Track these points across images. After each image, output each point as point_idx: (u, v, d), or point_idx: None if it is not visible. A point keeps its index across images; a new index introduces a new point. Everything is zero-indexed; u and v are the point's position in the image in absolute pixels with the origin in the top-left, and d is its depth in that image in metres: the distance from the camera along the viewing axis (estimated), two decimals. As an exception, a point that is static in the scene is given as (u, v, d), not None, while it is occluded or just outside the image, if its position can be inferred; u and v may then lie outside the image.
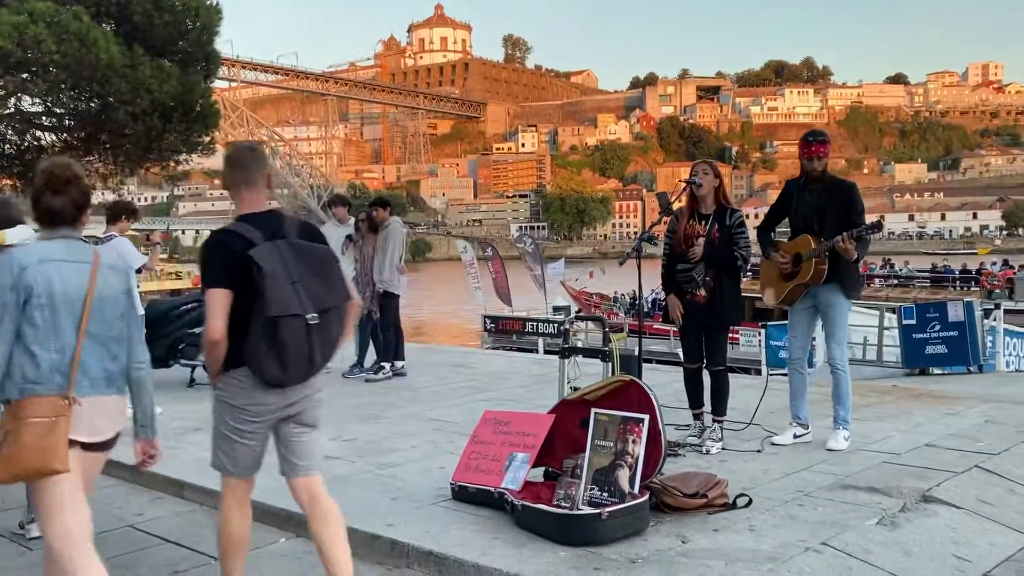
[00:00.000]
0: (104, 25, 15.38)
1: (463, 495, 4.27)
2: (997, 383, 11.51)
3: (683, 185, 5.31)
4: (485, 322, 33.44)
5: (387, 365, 8.44)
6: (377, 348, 8.70)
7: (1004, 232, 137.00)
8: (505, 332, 33.20)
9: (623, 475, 3.92)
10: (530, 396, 7.34)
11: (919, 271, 39.23)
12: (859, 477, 4.58)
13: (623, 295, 40.67)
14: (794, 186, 5.46)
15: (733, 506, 4.11)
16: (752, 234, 5.37)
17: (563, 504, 4.02)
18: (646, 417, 3.93)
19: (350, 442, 5.76)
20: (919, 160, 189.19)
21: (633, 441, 3.94)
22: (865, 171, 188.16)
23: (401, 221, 8.90)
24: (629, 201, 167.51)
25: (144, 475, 5.11)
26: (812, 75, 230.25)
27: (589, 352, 4.93)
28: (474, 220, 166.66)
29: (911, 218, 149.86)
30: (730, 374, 5.55)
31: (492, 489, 4.14)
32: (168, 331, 8.05)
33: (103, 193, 18.30)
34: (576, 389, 4.51)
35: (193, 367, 8.20)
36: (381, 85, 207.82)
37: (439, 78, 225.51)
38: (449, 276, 74.87)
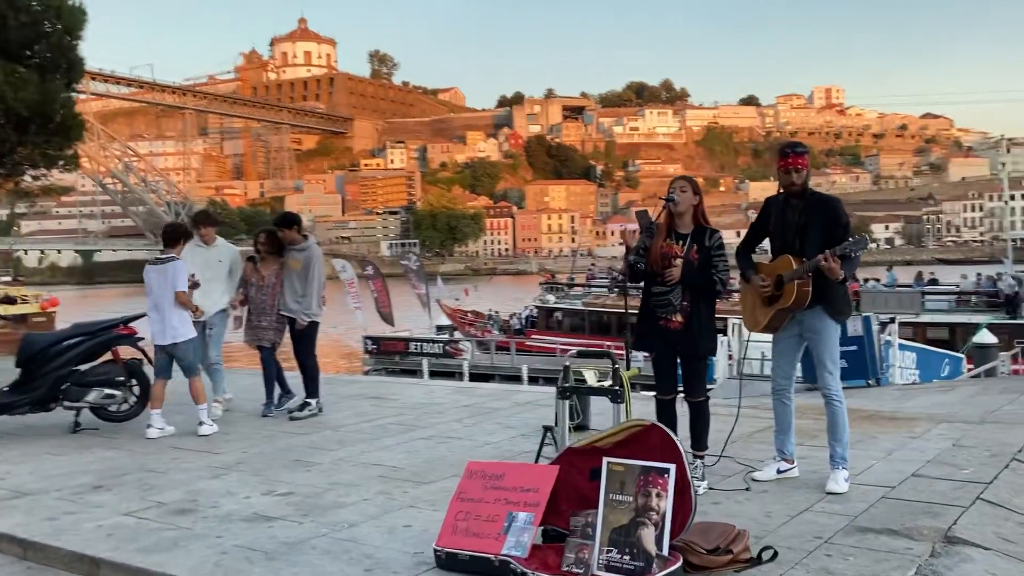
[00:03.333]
0: (-50, 26, 13.86)
1: (452, 564, 3.66)
2: (903, 396, 11.72)
3: (662, 203, 4.88)
4: (366, 343, 32.44)
5: (313, 401, 7.66)
6: (286, 384, 7.93)
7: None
8: (388, 353, 32.30)
9: (647, 534, 3.43)
10: (471, 432, 6.76)
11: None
12: (870, 518, 4.24)
13: (496, 313, 40.45)
14: (773, 203, 5.09)
15: (759, 561, 3.67)
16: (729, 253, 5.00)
17: (575, 570, 3.49)
18: (672, 467, 3.45)
19: (286, 496, 5.02)
20: (771, 178, 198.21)
21: (658, 495, 3.45)
22: (722, 189, 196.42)
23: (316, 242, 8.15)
24: (500, 218, 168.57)
25: (43, 550, 4.25)
26: (671, 96, 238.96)
27: (595, 392, 4.39)
28: (343, 237, 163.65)
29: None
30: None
31: (492, 556, 3.55)
32: (48, 369, 7.02)
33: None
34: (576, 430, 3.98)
35: (78, 410, 7.20)
36: (243, 99, 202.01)
37: (303, 93, 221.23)
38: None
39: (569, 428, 4.25)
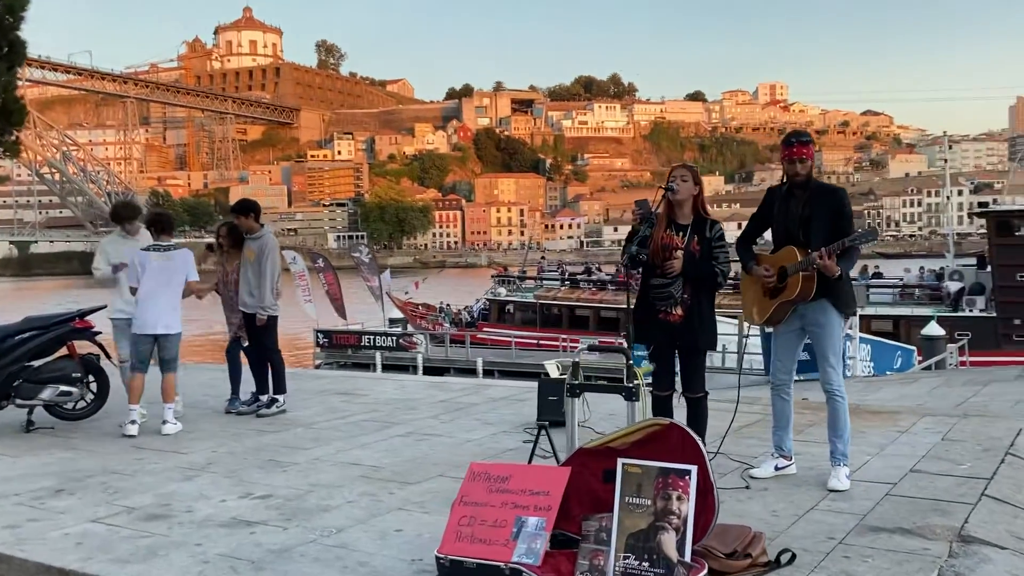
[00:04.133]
0: None
1: (458, 572, 3.44)
2: (867, 389, 11.78)
3: (661, 192, 4.70)
4: (318, 337, 31.90)
5: (281, 397, 7.36)
6: (256, 378, 7.59)
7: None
8: (340, 347, 31.81)
9: (667, 540, 3.25)
10: (450, 429, 6.53)
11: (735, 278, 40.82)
12: (879, 516, 4.13)
13: (448, 306, 40.15)
14: (776, 193, 4.94)
15: (778, 564, 3.53)
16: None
17: (590, 578, 3.30)
18: (693, 468, 3.27)
19: (265, 499, 4.75)
20: (717, 173, 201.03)
21: (678, 498, 3.27)
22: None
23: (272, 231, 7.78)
24: (449, 211, 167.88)
25: (7, 561, 3.93)
26: (619, 91, 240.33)
27: (608, 389, 4.19)
28: (289, 229, 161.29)
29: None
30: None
31: (502, 564, 3.34)
32: (-1, 366, 6.62)
33: None
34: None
35: (31, 408, 6.80)
36: (186, 88, 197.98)
37: (249, 82, 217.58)
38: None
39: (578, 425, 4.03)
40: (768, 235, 5.07)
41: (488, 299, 38.01)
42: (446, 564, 3.49)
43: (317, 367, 29.72)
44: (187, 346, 9.54)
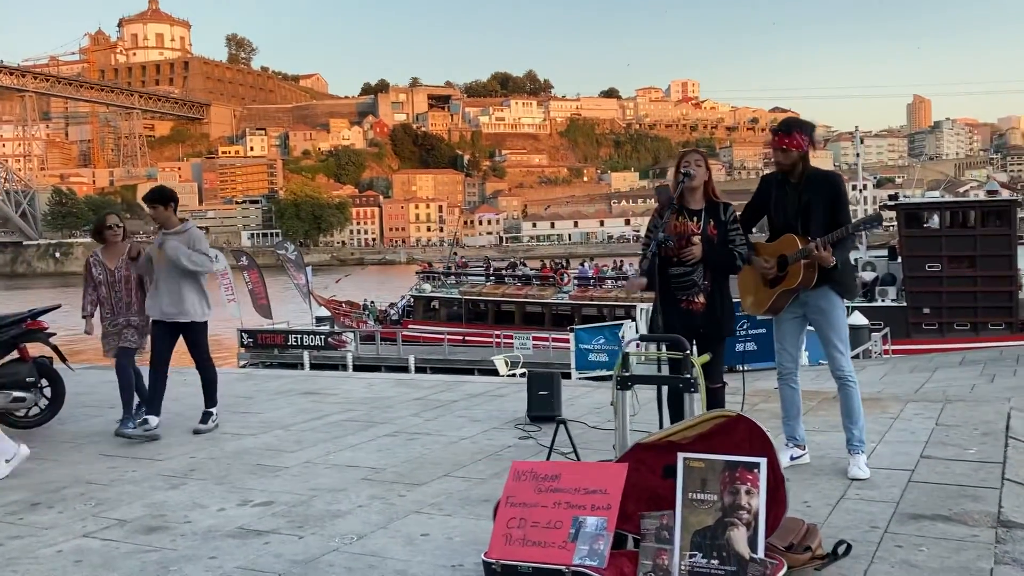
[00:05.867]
0: None
1: (511, 577, 3.25)
2: (820, 377, 11.93)
3: (680, 177, 4.57)
4: (242, 337, 31.01)
5: (214, 410, 6.56)
6: (144, 392, 6.60)
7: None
8: (266, 347, 30.99)
9: (738, 536, 3.12)
10: (437, 427, 6.30)
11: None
12: (912, 504, 4.09)
13: (372, 303, 39.59)
14: (772, 181, 4.88)
15: (835, 556, 3.44)
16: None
17: (655, 578, 3.15)
18: (762, 461, 3.15)
19: (268, 507, 4.46)
20: (632, 169, 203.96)
21: (748, 492, 3.14)
22: (585, 179, 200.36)
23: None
24: (366, 208, 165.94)
25: (-4, 586, 3.57)
26: (535, 87, 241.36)
27: (663, 380, 4.01)
28: (201, 227, 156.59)
29: (627, 222, 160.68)
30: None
31: (563, 568, 3.15)
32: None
33: None
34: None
35: (-20, 416, 6.30)
36: (89, 82, 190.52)
37: (156, 77, 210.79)
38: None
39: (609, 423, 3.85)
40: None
41: (413, 296, 37.60)
42: (497, 569, 3.29)
43: (243, 367, 28.90)
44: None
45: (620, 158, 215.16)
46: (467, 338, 32.37)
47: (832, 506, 4.12)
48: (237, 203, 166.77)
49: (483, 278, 38.01)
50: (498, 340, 28.33)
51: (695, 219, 4.66)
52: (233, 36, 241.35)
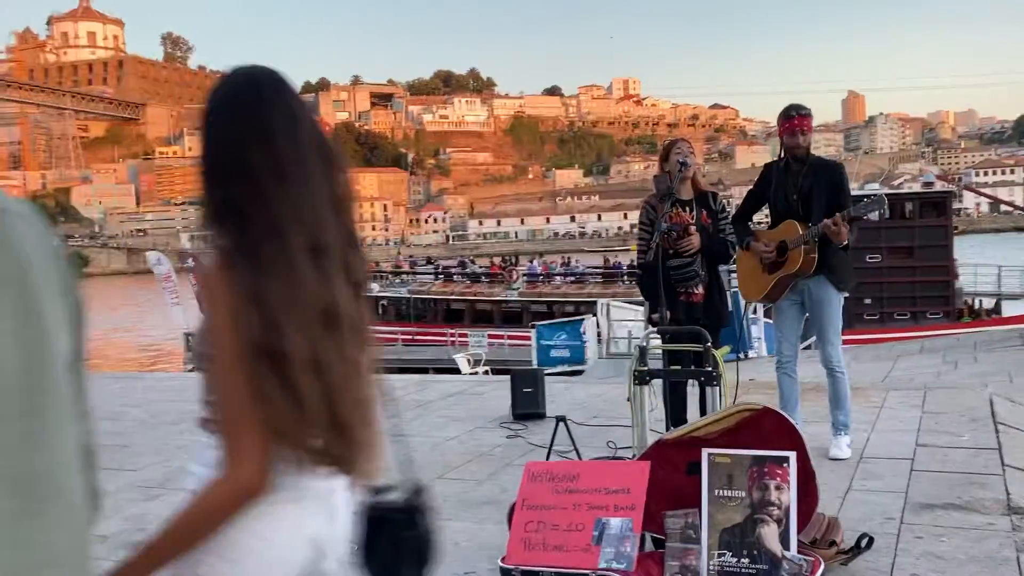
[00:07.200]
0: None
1: (532, 583, 3.10)
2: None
3: (678, 166, 4.48)
4: (188, 341, 30.26)
5: None
6: None
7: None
8: (214, 350, 30.35)
9: (769, 533, 3.02)
10: (417, 428, 6.11)
11: (592, 267, 41.01)
12: (921, 493, 4.05)
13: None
14: (774, 168, 4.85)
15: (859, 549, 3.37)
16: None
17: (683, 579, 3.04)
18: (792, 455, 3.06)
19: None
20: (576, 166, 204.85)
21: (777, 487, 3.05)
22: (530, 176, 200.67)
23: None
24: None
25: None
26: (478, 85, 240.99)
27: (685, 374, 3.89)
28: (138, 230, 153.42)
29: (573, 219, 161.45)
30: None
31: (589, 572, 3.02)
32: None
33: None
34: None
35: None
36: (17, 82, 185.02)
37: (89, 76, 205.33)
38: (120, 292, 67.69)
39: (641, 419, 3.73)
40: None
41: (360, 295, 37.14)
42: (516, 576, 3.15)
43: (191, 371, 28.25)
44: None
45: (564, 155, 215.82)
46: (417, 337, 32.08)
47: (841, 498, 4.07)
48: (176, 205, 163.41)
49: (432, 276, 37.76)
50: (453, 339, 28.09)
51: (687, 209, 4.59)
52: (169, 34, 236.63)
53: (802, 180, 4.71)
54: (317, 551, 1.32)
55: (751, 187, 5.00)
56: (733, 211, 4.94)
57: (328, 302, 1.26)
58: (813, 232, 4.59)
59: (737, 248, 4.89)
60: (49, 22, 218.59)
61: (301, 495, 1.27)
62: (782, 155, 4.80)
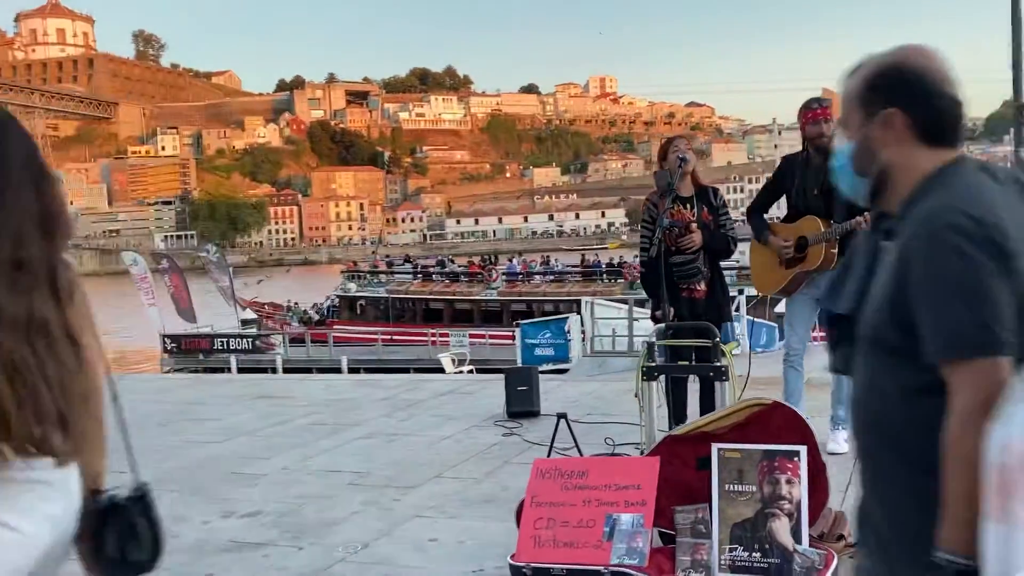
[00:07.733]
0: None
1: (543, 581, 3.09)
2: (773, 363, 12.09)
3: (678, 163, 4.47)
4: (165, 342, 30.03)
5: None
6: None
7: (628, 228, 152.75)
8: (191, 352, 30.12)
9: (780, 527, 3.02)
10: (412, 427, 6.09)
11: (571, 266, 41.00)
12: (921, 485, 4.08)
13: (296, 304, 38.79)
14: (794, 162, 4.83)
15: (865, 543, 3.38)
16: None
17: (695, 574, 3.04)
18: (802, 449, 3.06)
19: (256, 517, 4.21)
20: (553, 164, 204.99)
21: (788, 481, 3.05)
22: (508, 175, 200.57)
23: None
24: (285, 207, 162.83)
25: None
26: (454, 83, 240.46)
27: (692, 370, 3.89)
28: (111, 231, 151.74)
29: (551, 217, 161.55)
30: None
31: (601, 568, 3.01)
32: None
33: None
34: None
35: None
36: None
37: (58, 74, 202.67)
38: (95, 294, 66.91)
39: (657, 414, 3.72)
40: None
41: (338, 295, 36.88)
42: (528, 573, 3.13)
43: (166, 373, 27.98)
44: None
45: (542, 154, 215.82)
46: (396, 337, 31.90)
47: (844, 492, 4.08)
48: (149, 204, 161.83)
49: (410, 276, 37.57)
50: (434, 339, 27.98)
51: (688, 206, 4.59)
52: (140, 32, 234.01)
53: (825, 176, 4.67)
54: (59, 535, 1.36)
55: (766, 180, 4.99)
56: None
57: (27, 314, 1.35)
58: (837, 230, 4.56)
59: (752, 240, 4.87)
60: (17, 19, 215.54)
61: (36, 482, 1.33)
62: (803, 149, 4.80)
